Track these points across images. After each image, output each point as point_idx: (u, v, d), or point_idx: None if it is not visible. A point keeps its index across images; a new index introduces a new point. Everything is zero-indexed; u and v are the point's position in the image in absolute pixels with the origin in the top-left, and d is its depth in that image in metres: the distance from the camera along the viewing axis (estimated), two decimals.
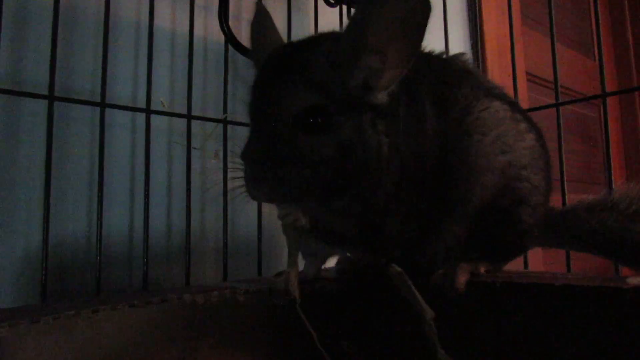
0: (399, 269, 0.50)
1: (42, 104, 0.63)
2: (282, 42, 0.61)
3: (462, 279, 0.54)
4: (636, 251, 0.58)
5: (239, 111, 0.84)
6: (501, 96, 0.61)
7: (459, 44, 1.39)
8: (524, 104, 0.94)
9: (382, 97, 0.52)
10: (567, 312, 0.48)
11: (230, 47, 0.82)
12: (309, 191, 0.50)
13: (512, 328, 0.51)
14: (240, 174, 0.51)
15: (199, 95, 0.85)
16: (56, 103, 0.63)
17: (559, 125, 0.82)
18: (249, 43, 0.64)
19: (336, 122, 0.49)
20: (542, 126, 0.64)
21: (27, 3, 0.70)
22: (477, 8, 1.46)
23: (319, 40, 0.55)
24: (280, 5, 0.90)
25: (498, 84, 0.66)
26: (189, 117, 0.75)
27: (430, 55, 0.62)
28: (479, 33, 1.44)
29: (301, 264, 0.63)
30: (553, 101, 0.83)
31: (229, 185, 0.76)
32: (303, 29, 0.97)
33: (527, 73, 1.67)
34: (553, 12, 0.84)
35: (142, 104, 0.72)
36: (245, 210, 0.87)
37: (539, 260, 1.48)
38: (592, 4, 0.82)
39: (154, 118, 0.72)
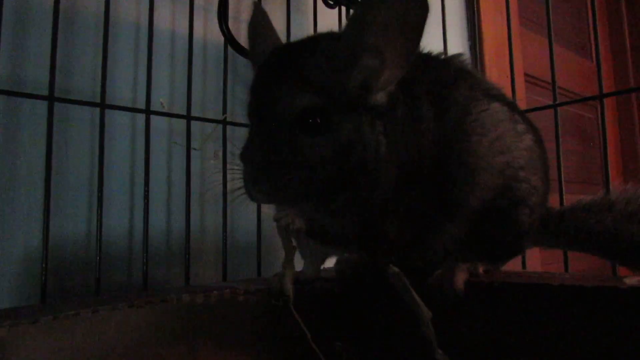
0: (397, 270, 0.51)
1: (42, 105, 0.63)
2: (279, 42, 0.61)
3: (460, 279, 0.54)
4: (633, 251, 0.59)
5: (239, 112, 0.84)
6: (500, 97, 0.62)
7: (457, 45, 1.40)
8: (522, 105, 0.94)
9: (380, 97, 0.52)
10: (565, 312, 0.48)
11: (229, 48, 0.82)
12: (308, 192, 0.50)
13: (510, 328, 0.52)
14: (240, 175, 0.51)
15: (199, 96, 0.85)
16: (56, 104, 0.63)
17: (556, 126, 0.83)
18: (248, 44, 0.64)
19: (335, 123, 0.49)
20: (540, 127, 0.64)
21: (27, 4, 0.70)
22: (476, 9, 1.47)
23: (317, 40, 0.55)
24: (280, 7, 0.90)
25: (496, 84, 0.66)
26: (188, 117, 0.75)
27: (428, 56, 0.62)
28: (477, 34, 1.44)
29: (301, 264, 0.64)
30: (551, 102, 0.83)
31: (229, 186, 0.76)
32: (302, 30, 0.98)
33: (525, 74, 1.67)
34: (551, 13, 0.85)
35: (141, 104, 0.72)
36: (245, 211, 0.87)
37: (536, 261, 1.48)
38: (589, 6, 0.83)
39: (154, 119, 0.72)
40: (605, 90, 0.77)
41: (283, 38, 0.64)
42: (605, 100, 0.77)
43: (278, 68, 0.52)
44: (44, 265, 0.60)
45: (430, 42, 0.59)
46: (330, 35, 0.55)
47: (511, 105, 0.62)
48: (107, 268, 0.71)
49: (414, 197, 0.55)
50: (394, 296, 0.51)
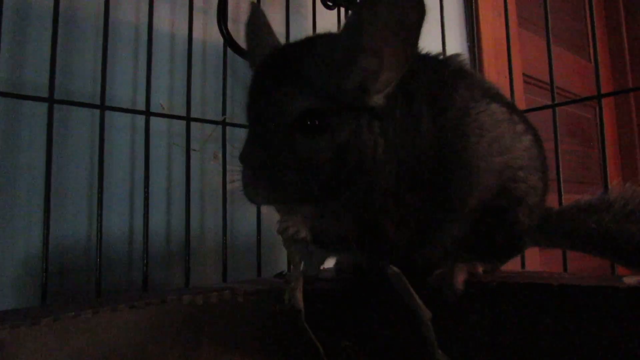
0: (396, 270, 0.51)
1: (42, 107, 0.63)
2: (277, 43, 0.61)
3: (460, 279, 0.54)
4: (632, 251, 0.59)
5: (238, 113, 0.84)
6: (498, 97, 0.62)
7: (455, 45, 1.40)
8: (521, 105, 0.94)
9: (378, 99, 0.52)
10: (564, 311, 0.48)
11: (229, 49, 0.82)
12: (307, 193, 0.50)
13: (509, 328, 0.52)
14: (239, 176, 0.51)
15: (198, 97, 0.85)
16: (56, 106, 0.63)
17: (555, 126, 0.83)
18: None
19: (332, 124, 0.50)
20: (539, 127, 0.64)
21: (26, 6, 0.70)
22: (474, 9, 1.47)
23: (315, 42, 0.55)
24: (279, 8, 0.90)
25: (495, 84, 0.66)
26: (188, 119, 0.76)
27: (426, 57, 0.63)
28: (475, 34, 1.44)
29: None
30: (549, 102, 0.84)
31: (228, 187, 0.76)
32: (301, 31, 0.98)
33: (524, 74, 1.68)
34: (549, 13, 0.85)
35: (141, 106, 0.72)
36: (245, 212, 0.87)
37: (536, 261, 1.48)
38: (587, 6, 0.83)
39: (154, 120, 0.72)
40: (603, 90, 0.78)
41: (282, 39, 0.64)
42: (604, 100, 0.78)
43: (276, 69, 0.52)
44: (44, 267, 0.60)
45: (429, 42, 0.60)
46: (328, 36, 0.55)
47: (510, 106, 0.62)
48: (107, 269, 0.71)
49: (413, 198, 0.55)
50: (393, 296, 0.51)
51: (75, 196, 0.72)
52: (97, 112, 0.68)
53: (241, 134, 0.77)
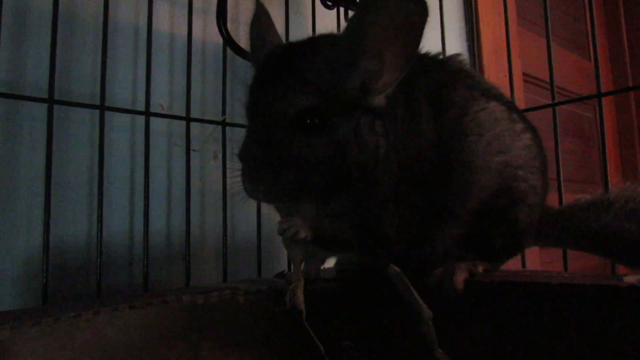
0: (397, 269, 0.51)
1: (42, 107, 0.63)
2: (280, 42, 0.61)
3: (460, 278, 0.54)
4: (632, 249, 0.59)
5: (238, 113, 0.84)
6: (498, 96, 0.62)
7: (455, 45, 1.40)
8: (521, 104, 0.94)
9: (379, 99, 0.52)
10: (564, 310, 0.48)
11: (228, 49, 0.82)
12: (306, 191, 0.50)
13: (510, 327, 0.52)
14: (239, 174, 0.51)
15: (198, 97, 0.85)
16: (56, 106, 0.63)
17: (555, 125, 0.83)
18: (247, 45, 0.65)
19: (332, 124, 0.50)
20: (539, 126, 0.64)
21: (26, 6, 0.70)
22: (474, 9, 1.47)
23: (317, 42, 0.55)
24: (278, 7, 0.90)
25: (494, 84, 0.66)
26: (188, 119, 0.76)
27: (426, 56, 0.63)
28: (475, 34, 1.44)
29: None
30: (549, 101, 0.84)
31: (229, 187, 0.76)
32: (301, 31, 0.98)
33: (524, 74, 1.68)
34: (549, 13, 0.85)
35: (141, 106, 0.72)
36: (245, 212, 0.87)
37: (536, 260, 1.48)
38: (587, 5, 0.83)
39: (153, 120, 0.72)
40: (603, 89, 0.78)
41: (281, 38, 0.64)
42: (604, 99, 0.78)
43: (277, 68, 0.52)
44: (44, 267, 0.60)
45: (429, 42, 0.60)
46: (330, 37, 0.55)
47: (509, 105, 0.62)
48: (107, 269, 0.71)
49: (413, 197, 0.55)
50: (394, 296, 0.51)
51: (75, 196, 0.72)
52: (96, 112, 0.68)
53: (241, 134, 0.77)
